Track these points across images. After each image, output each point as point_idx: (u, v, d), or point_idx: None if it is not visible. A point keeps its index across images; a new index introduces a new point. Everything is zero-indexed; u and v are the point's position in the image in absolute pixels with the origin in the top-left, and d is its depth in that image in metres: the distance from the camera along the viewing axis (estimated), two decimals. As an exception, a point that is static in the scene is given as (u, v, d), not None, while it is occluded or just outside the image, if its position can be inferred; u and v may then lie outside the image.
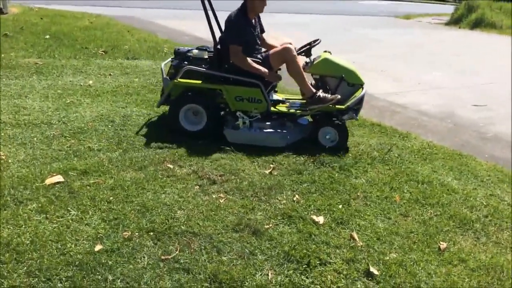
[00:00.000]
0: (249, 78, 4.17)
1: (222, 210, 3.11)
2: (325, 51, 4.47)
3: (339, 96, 4.15)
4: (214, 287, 2.40)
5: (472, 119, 5.74)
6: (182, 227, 2.87)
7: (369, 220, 3.09)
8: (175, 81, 4.27)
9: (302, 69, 4.24)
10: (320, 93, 4.20)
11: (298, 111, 4.35)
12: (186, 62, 4.38)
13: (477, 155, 4.50)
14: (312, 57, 4.36)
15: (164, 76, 4.44)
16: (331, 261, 2.66)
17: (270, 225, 2.97)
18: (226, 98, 4.23)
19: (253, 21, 4.31)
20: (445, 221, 3.15)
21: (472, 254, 2.79)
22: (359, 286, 2.48)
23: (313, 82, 4.45)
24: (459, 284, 2.51)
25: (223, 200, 3.25)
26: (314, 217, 3.06)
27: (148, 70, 6.82)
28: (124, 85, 5.91)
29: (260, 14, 4.41)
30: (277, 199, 3.31)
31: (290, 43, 4.34)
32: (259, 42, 4.43)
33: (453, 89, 7.01)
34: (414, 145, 4.55)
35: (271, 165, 3.82)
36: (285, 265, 2.60)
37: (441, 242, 2.87)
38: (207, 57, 4.34)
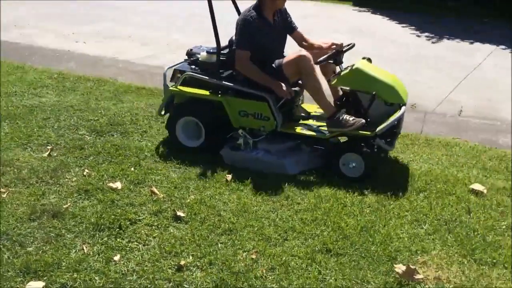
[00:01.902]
0: (255, 90, 3.49)
1: (9, 204, 2.87)
2: (364, 58, 3.57)
3: (363, 121, 3.30)
4: (30, 278, 2.29)
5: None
6: (-34, 234, 2.55)
7: (163, 174, 3.33)
8: (171, 88, 3.60)
9: (320, 84, 3.48)
10: (341, 115, 3.37)
11: (317, 134, 3.53)
12: (194, 66, 3.65)
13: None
14: (343, 65, 3.49)
15: (166, 82, 3.66)
16: (140, 218, 2.82)
17: (69, 204, 2.91)
18: (228, 112, 3.54)
19: (273, 20, 3.59)
20: (227, 159, 3.63)
21: (252, 179, 3.33)
22: (171, 230, 2.73)
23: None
24: (249, 202, 3.02)
25: (5, 194, 2.98)
26: (111, 184, 3.13)
27: None
28: None
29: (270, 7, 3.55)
30: (67, 178, 3.22)
31: (334, 44, 3.57)
32: (281, 45, 3.75)
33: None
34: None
35: (48, 147, 3.62)
36: (98, 235, 2.65)
37: (227, 175, 3.33)
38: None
